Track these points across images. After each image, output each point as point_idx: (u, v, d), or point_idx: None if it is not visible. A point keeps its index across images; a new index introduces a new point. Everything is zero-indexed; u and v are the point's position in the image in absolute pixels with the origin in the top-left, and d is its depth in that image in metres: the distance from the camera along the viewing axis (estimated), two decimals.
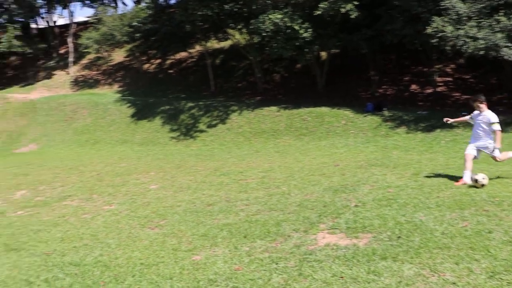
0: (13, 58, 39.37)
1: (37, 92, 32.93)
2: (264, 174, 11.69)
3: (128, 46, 33.72)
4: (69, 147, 24.81)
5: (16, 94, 32.05)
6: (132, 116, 25.87)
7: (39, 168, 17.83)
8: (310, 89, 24.72)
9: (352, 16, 19.48)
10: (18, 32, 34.25)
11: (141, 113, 25.75)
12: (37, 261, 6.33)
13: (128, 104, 26.87)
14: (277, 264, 5.24)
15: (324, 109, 21.08)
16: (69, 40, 35.22)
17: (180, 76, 31.24)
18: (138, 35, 30.03)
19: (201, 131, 22.57)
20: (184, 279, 5.08)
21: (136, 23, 29.52)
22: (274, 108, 22.10)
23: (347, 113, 20.60)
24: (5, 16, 34.14)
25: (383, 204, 7.28)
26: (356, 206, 7.40)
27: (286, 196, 8.78)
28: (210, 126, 22.74)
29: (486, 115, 8.54)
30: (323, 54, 25.40)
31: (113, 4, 38.31)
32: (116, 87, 32.11)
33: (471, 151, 8.71)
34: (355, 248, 5.45)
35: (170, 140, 22.74)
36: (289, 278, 4.78)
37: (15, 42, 33.12)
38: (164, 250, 6.22)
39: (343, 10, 19.38)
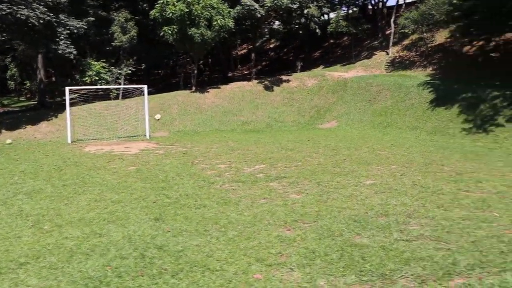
0: (345, 38, 41.41)
1: (355, 71, 33.86)
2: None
3: (453, 27, 31.33)
4: (362, 128, 24.84)
5: (333, 72, 33.65)
6: (431, 102, 24.05)
7: (312, 145, 18.48)
8: None
9: None
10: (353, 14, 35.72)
11: (441, 100, 23.69)
12: (138, 232, 6.59)
13: (431, 89, 25.05)
14: None
15: None
16: (392, 20, 34.88)
17: (504, 60, 27.38)
18: (457, 13, 27.47)
19: (498, 125, 19.40)
20: None
21: (456, 0, 27.01)
22: None
23: None
24: None
25: None
26: None
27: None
28: (510, 120, 19.32)
29: None
30: None
31: None
32: (429, 70, 30.40)
33: None
34: None
35: (460, 132, 20.30)
36: None
37: (342, 23, 34.56)
38: (238, 263, 5.59)
39: None
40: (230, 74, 46.72)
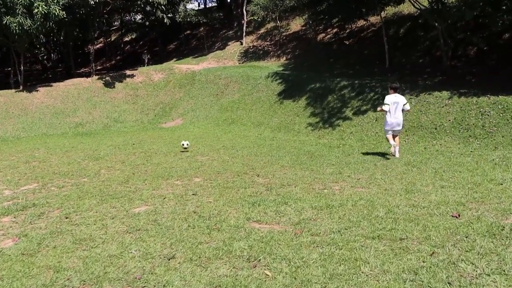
0: (201, 29, 38.29)
1: (206, 63, 30.88)
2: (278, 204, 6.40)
3: (307, 14, 29.37)
4: (207, 125, 21.84)
5: (182, 65, 30.38)
6: (279, 94, 21.62)
7: (131, 150, 15.25)
8: None
9: None
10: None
11: (289, 91, 21.33)
12: None
13: (279, 80, 22.64)
14: None
15: None
16: (244, 8, 32.28)
17: (356, 48, 25.77)
18: None
19: (345, 118, 17.21)
20: None
21: None
22: (445, 93, 15.47)
23: None
24: None
25: None
26: None
27: None
28: (357, 112, 17.21)
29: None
30: None
31: None
32: (283, 59, 28.18)
33: None
34: None
35: (305, 128, 17.92)
36: None
37: (190, 12, 31.37)
38: None
39: None
40: (81, 70, 41.73)
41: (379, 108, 11.74)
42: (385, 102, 11.27)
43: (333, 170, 9.92)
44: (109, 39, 49.12)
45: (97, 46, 51.78)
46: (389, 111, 11.19)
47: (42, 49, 43.60)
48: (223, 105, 23.35)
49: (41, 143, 19.79)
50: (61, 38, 34.70)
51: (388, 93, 11.60)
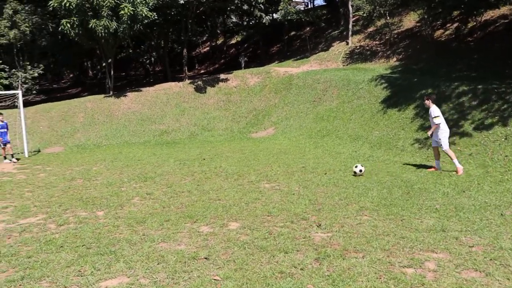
0: (307, 29, 35.42)
1: (308, 65, 27.98)
2: None
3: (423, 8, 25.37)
4: (298, 137, 19.07)
5: (281, 68, 27.73)
6: (383, 101, 18.16)
7: (195, 169, 12.96)
8: None
9: None
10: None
11: (395, 98, 17.80)
12: None
13: (385, 85, 19.14)
14: None
15: None
16: (350, 3, 28.83)
17: (481, 44, 21.42)
18: None
19: (463, 134, 13.42)
20: None
21: None
22: None
23: None
24: None
25: None
26: None
27: None
28: (479, 127, 13.32)
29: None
30: None
31: None
32: (393, 60, 24.45)
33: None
34: None
35: (411, 145, 14.34)
36: None
37: (291, 9, 28.60)
38: None
39: None
40: (183, 75, 40.85)
41: (429, 132, 11.22)
42: (437, 114, 10.79)
43: (434, 223, 6.60)
44: (215, 43, 48.03)
45: (204, 49, 51.12)
46: (443, 122, 10.93)
47: (139, 52, 43.46)
48: (319, 114, 20.33)
49: (114, 153, 18.26)
50: (161, 41, 33.75)
51: (424, 104, 11.37)
